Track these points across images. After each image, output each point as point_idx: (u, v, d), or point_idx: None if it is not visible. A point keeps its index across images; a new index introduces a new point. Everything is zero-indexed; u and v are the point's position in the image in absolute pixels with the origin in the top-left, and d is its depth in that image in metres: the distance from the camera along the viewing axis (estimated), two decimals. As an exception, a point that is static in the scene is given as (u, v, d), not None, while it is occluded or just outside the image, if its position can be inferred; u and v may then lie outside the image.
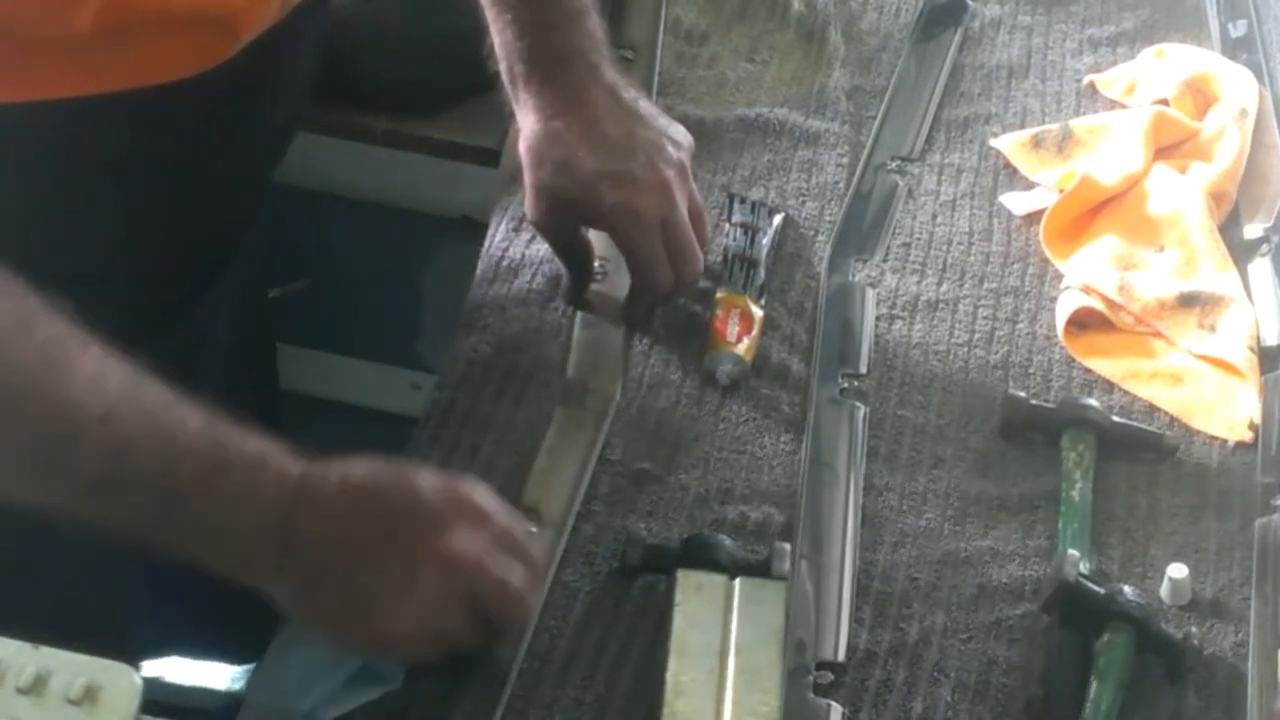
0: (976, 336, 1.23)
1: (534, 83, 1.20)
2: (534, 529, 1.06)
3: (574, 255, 1.23)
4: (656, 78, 1.42)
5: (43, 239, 1.04)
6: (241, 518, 0.90)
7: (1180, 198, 1.30)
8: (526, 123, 1.20)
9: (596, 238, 1.23)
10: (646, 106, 1.23)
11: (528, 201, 1.21)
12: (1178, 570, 1.06)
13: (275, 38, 1.10)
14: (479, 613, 0.94)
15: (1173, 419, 1.18)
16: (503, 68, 1.22)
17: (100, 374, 0.87)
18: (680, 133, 1.23)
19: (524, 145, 1.20)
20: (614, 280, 1.23)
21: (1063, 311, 1.24)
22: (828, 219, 1.32)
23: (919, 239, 1.31)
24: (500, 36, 1.21)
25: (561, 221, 1.21)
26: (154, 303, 1.16)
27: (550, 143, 1.18)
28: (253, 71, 1.09)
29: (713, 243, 1.26)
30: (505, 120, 1.23)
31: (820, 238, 1.30)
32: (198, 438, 0.89)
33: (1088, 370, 1.21)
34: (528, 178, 1.20)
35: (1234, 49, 1.47)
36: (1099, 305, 1.24)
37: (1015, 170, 1.37)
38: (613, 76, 1.21)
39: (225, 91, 1.08)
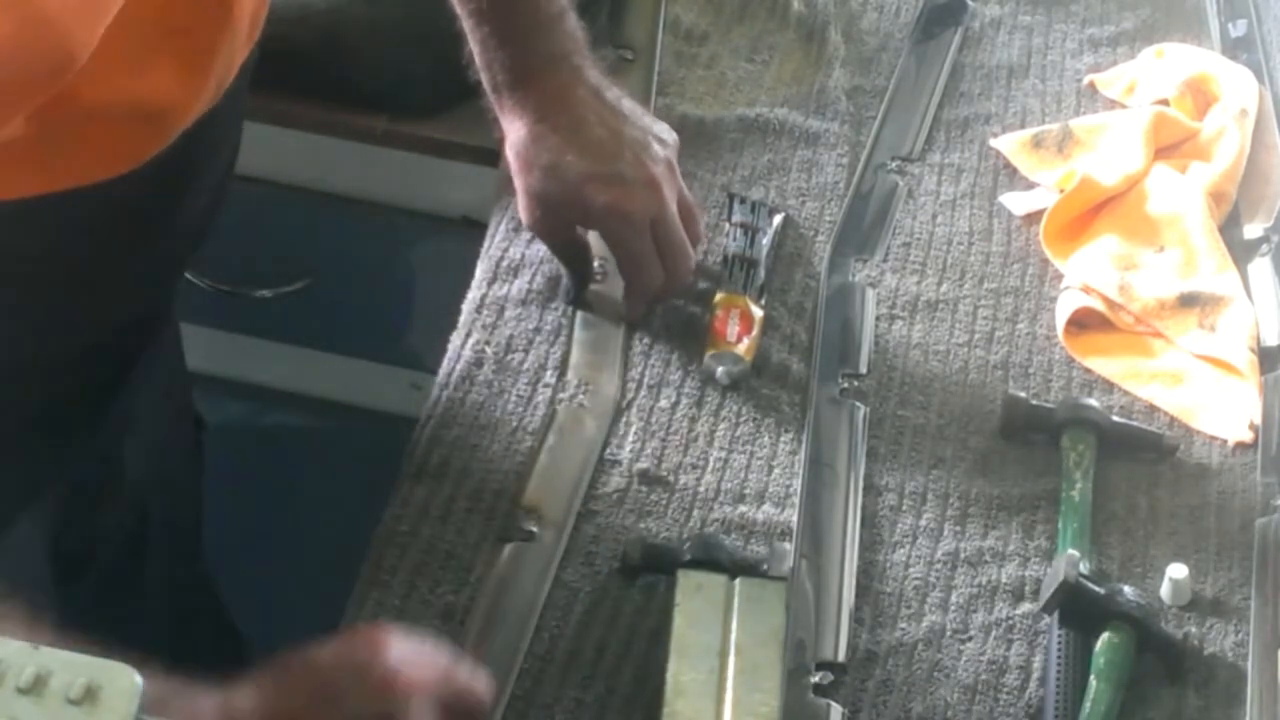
0: (976, 336, 1.23)
1: (518, 89, 1.20)
2: (535, 528, 1.06)
3: (572, 256, 1.23)
4: (656, 77, 1.42)
5: None
6: None
7: (1180, 198, 1.30)
8: (512, 129, 1.21)
9: (596, 238, 1.23)
10: (630, 105, 1.23)
11: (520, 206, 1.21)
12: (1178, 570, 1.06)
13: (205, 124, 1.05)
14: None
15: (1173, 419, 1.18)
16: (484, 76, 1.22)
17: None
18: (665, 130, 1.23)
19: (511, 151, 1.20)
20: (614, 280, 1.23)
21: (1063, 311, 1.24)
22: (828, 219, 1.32)
23: (919, 239, 1.31)
24: (480, 45, 1.21)
25: (554, 224, 1.21)
26: (74, 394, 1.13)
27: (537, 147, 1.19)
28: (181, 161, 1.04)
29: (712, 243, 1.27)
30: (491, 127, 1.23)
31: (820, 238, 1.30)
32: None
33: (1088, 370, 1.21)
34: (517, 183, 1.20)
35: (1234, 49, 1.47)
36: (1099, 305, 1.24)
37: (1015, 170, 1.37)
38: (595, 77, 1.21)
39: (153, 184, 1.03)
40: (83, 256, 1.03)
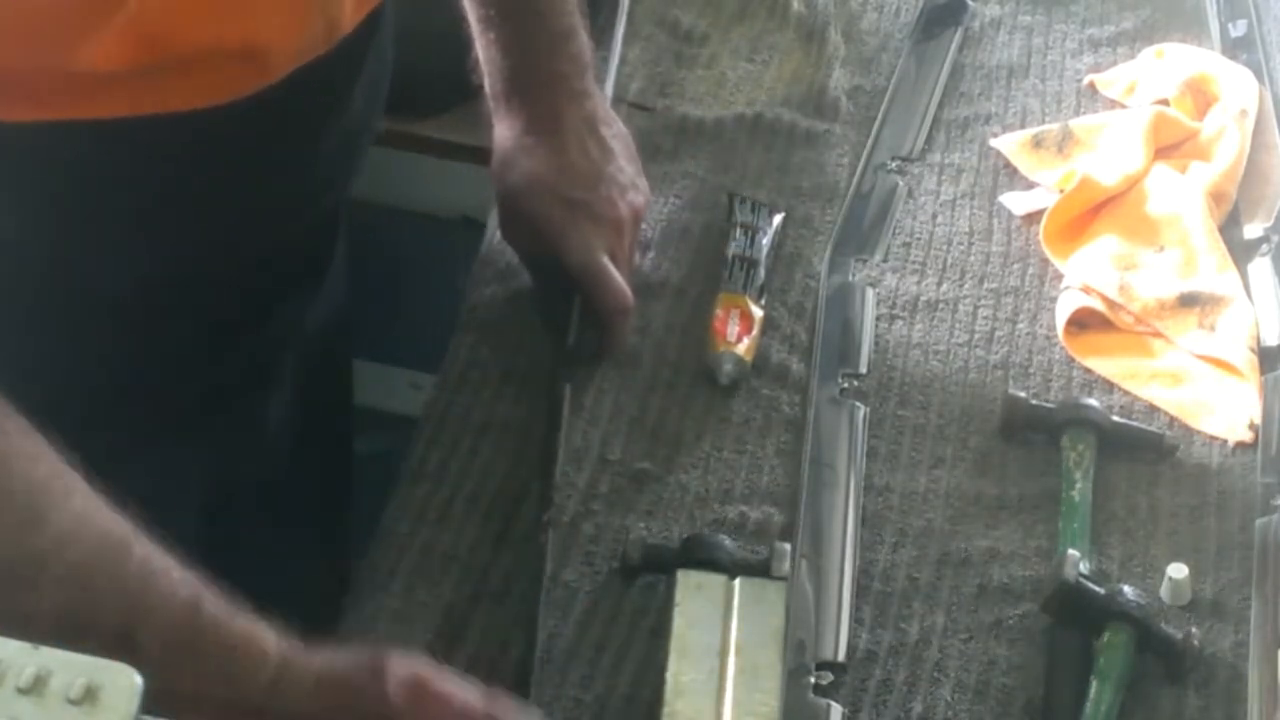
0: (976, 336, 1.23)
1: (514, 102, 1.21)
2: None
3: (544, 272, 1.22)
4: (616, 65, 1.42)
5: (76, 262, 1.03)
6: (209, 698, 0.86)
7: (1180, 198, 1.30)
8: (501, 139, 1.22)
9: None
10: (621, 147, 1.23)
11: (497, 215, 1.22)
12: (1178, 570, 1.06)
13: (322, 70, 1.06)
14: None
15: (1173, 419, 1.18)
16: (486, 83, 1.23)
17: (74, 531, 0.82)
18: (645, 184, 1.24)
19: (494, 160, 1.22)
20: None
21: (1063, 311, 1.24)
22: (828, 219, 1.32)
23: (919, 239, 1.31)
24: (484, 53, 1.22)
25: (518, 237, 1.22)
26: (198, 334, 1.12)
27: (519, 158, 1.20)
28: (295, 101, 1.05)
29: (712, 243, 1.27)
30: (486, 130, 1.24)
31: (820, 238, 1.30)
32: (171, 612, 0.84)
33: (1088, 370, 1.21)
34: (496, 192, 1.22)
35: (1234, 49, 1.47)
36: (1099, 305, 1.24)
37: (1015, 170, 1.37)
38: (593, 107, 1.22)
39: (265, 119, 1.04)
40: (192, 185, 1.05)
